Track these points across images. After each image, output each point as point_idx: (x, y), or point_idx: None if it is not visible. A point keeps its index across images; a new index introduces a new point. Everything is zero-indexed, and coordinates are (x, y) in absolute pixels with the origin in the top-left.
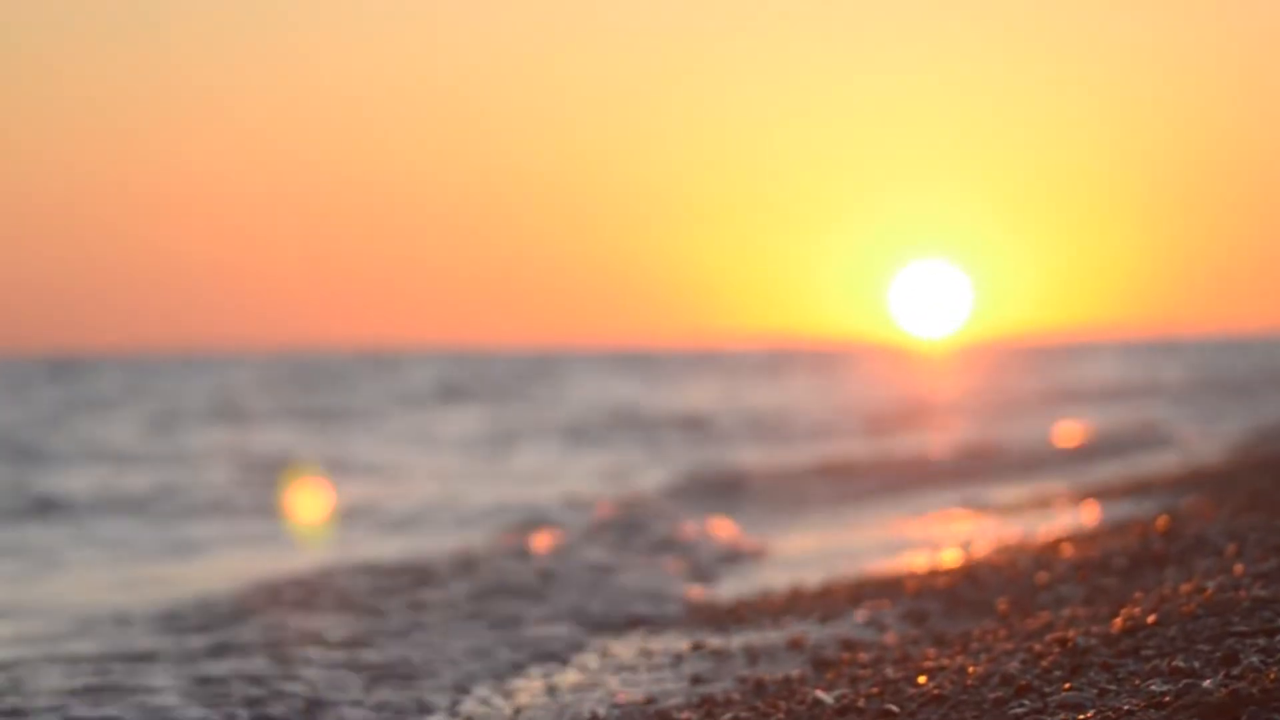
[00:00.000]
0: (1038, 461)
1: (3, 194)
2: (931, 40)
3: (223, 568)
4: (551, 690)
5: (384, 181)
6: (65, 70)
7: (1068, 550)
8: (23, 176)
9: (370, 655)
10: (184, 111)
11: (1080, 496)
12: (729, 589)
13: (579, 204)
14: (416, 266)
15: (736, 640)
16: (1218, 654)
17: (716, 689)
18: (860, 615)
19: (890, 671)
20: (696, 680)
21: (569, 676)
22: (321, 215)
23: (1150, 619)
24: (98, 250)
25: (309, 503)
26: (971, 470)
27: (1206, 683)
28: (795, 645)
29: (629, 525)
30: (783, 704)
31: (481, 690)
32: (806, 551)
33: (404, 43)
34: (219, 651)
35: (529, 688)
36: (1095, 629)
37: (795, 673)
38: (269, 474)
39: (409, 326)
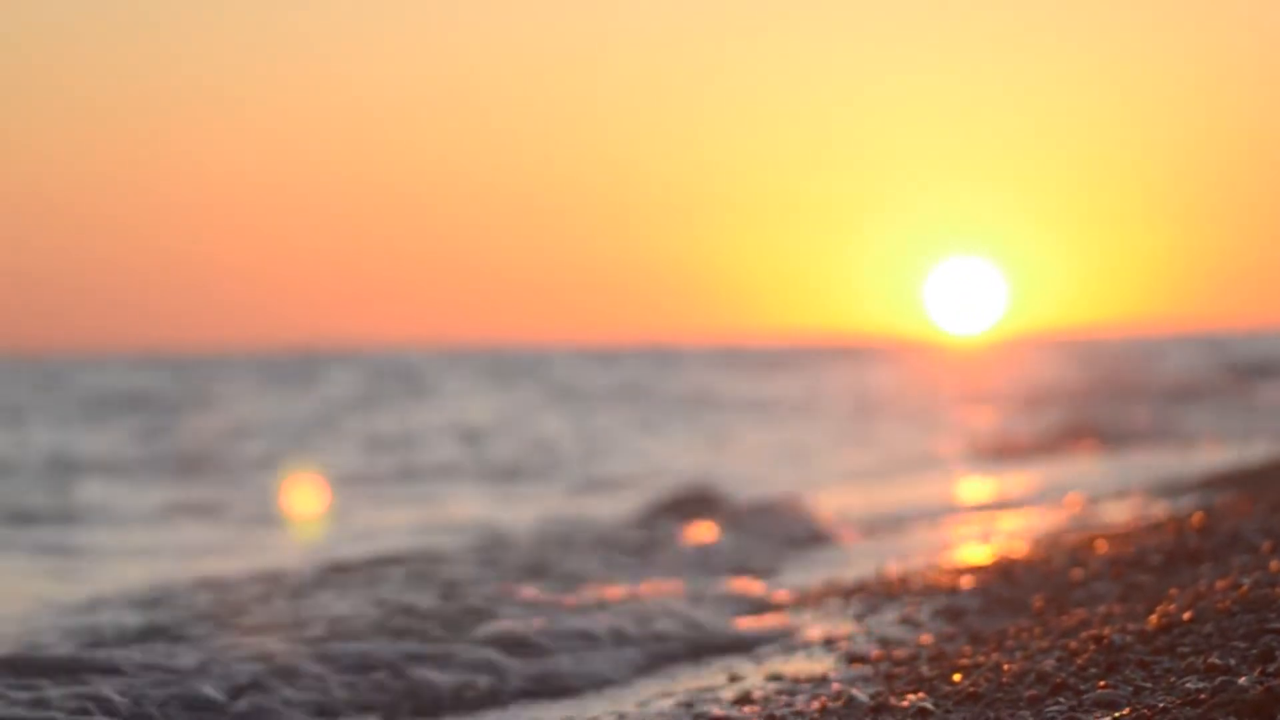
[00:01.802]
0: None
1: (11, 193)
2: (966, 37)
3: None
4: None
5: (414, 181)
6: (73, 70)
7: (1102, 547)
8: (27, 177)
9: None
10: (196, 111)
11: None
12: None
13: (611, 203)
14: (442, 266)
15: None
16: (1254, 651)
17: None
18: (897, 612)
19: (925, 669)
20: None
21: None
22: (343, 215)
23: (1186, 616)
24: (106, 250)
25: None
26: None
27: (1242, 680)
28: (830, 641)
29: None
30: (816, 702)
31: None
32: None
33: (427, 40)
34: None
35: None
36: (1131, 626)
37: (830, 670)
38: None
39: (429, 326)
